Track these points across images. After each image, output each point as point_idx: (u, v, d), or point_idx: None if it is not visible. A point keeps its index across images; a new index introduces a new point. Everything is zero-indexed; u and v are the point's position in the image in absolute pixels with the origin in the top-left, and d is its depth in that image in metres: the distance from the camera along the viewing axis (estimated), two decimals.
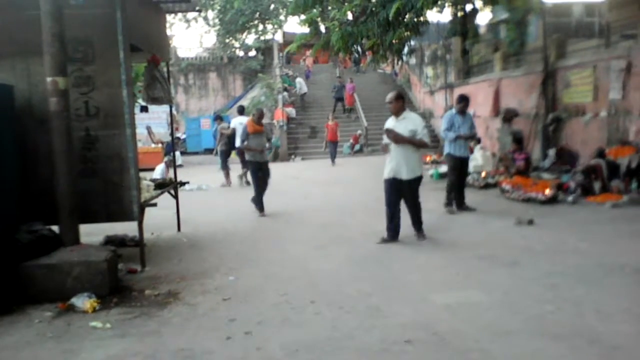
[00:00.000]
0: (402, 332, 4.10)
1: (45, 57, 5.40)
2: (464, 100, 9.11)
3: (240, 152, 14.00)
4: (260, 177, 9.65)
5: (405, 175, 6.86)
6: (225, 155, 15.20)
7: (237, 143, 14.38)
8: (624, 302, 4.58)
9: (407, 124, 6.89)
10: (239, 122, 14.50)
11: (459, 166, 9.13)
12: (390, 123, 7.04)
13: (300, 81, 27.14)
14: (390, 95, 7.07)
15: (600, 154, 10.05)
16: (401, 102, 7.02)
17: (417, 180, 7.00)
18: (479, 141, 13.90)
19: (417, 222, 7.17)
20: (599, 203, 9.03)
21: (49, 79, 5.40)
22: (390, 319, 4.43)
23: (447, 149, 9.17)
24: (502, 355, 3.67)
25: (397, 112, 6.97)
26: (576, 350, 3.71)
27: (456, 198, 9.15)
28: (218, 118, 17.28)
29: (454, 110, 9.11)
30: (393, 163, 6.90)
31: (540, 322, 4.22)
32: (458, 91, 19.75)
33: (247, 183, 14.23)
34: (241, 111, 15.85)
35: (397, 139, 6.80)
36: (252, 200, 9.77)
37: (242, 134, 9.63)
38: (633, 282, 5.11)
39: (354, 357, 3.75)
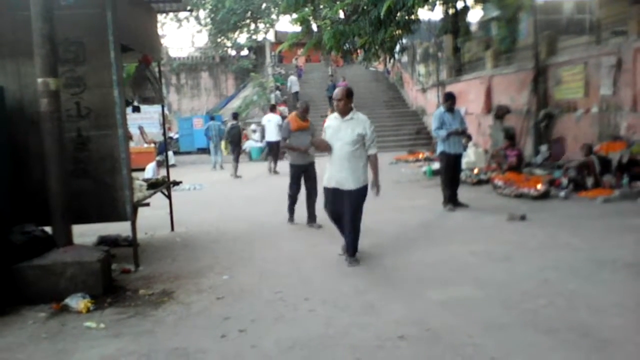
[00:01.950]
0: (396, 328, 4.12)
1: (36, 58, 5.37)
2: (450, 98, 9.06)
3: (272, 147, 16.22)
4: (302, 182, 8.41)
5: (351, 185, 5.97)
6: (236, 153, 16.59)
7: (267, 137, 16.51)
8: (615, 296, 4.62)
9: (354, 126, 5.99)
10: (267, 120, 16.81)
11: (453, 163, 9.08)
12: (334, 123, 6.12)
13: (292, 79, 27.07)
14: (339, 92, 6.11)
15: (589, 150, 10.11)
16: (351, 101, 6.14)
17: (363, 190, 6.06)
18: (469, 138, 13.97)
19: (352, 243, 6.13)
20: (590, 198, 9.08)
21: (39, 80, 5.37)
22: (384, 315, 4.45)
23: (440, 147, 9.09)
24: (495, 350, 3.69)
25: (345, 112, 6.06)
26: (568, 344, 3.74)
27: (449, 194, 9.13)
28: (235, 117, 18.24)
29: (442, 109, 9.06)
30: (337, 172, 6.01)
31: (533, 317, 4.25)
32: (450, 89, 19.82)
33: (274, 172, 15.89)
34: (272, 108, 17.75)
35: (378, 191, 6.08)
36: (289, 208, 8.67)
37: (284, 131, 8.50)
38: (624, 277, 5.15)
39: (348, 353, 3.76)
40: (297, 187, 8.44)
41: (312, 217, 8.31)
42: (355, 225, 6.08)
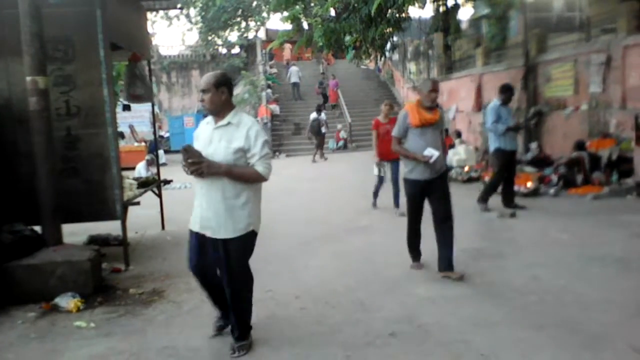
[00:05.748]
0: (387, 326, 4.13)
1: (25, 57, 5.33)
2: (509, 90, 8.34)
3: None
4: (421, 205, 5.58)
5: (224, 231, 3.76)
6: (318, 141, 19.34)
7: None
8: (604, 292, 4.65)
9: (232, 135, 3.65)
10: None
11: (510, 160, 8.39)
12: (205, 130, 3.81)
13: (292, 70, 26.76)
14: (205, 79, 3.68)
15: (580, 146, 10.16)
16: (226, 94, 3.68)
17: (246, 240, 3.90)
18: (459, 134, 14.13)
19: (239, 320, 3.88)
20: (580, 195, 9.14)
21: (28, 79, 5.34)
22: (375, 312, 4.46)
23: (495, 143, 8.27)
24: (485, 346, 3.71)
25: (220, 112, 3.69)
26: (558, 340, 3.76)
27: (505, 196, 8.52)
28: (319, 110, 20.58)
29: (497, 102, 8.30)
30: (201, 210, 3.89)
31: (523, 313, 4.28)
32: (441, 86, 19.84)
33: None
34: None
35: (207, 168, 3.64)
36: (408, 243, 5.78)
37: (397, 128, 5.44)
38: (613, 272, 5.19)
39: (339, 351, 3.77)
40: (417, 213, 5.57)
41: (446, 262, 5.29)
42: (239, 295, 3.88)
